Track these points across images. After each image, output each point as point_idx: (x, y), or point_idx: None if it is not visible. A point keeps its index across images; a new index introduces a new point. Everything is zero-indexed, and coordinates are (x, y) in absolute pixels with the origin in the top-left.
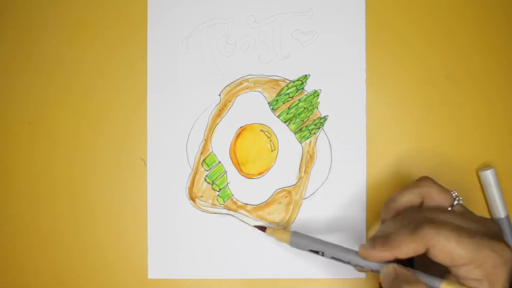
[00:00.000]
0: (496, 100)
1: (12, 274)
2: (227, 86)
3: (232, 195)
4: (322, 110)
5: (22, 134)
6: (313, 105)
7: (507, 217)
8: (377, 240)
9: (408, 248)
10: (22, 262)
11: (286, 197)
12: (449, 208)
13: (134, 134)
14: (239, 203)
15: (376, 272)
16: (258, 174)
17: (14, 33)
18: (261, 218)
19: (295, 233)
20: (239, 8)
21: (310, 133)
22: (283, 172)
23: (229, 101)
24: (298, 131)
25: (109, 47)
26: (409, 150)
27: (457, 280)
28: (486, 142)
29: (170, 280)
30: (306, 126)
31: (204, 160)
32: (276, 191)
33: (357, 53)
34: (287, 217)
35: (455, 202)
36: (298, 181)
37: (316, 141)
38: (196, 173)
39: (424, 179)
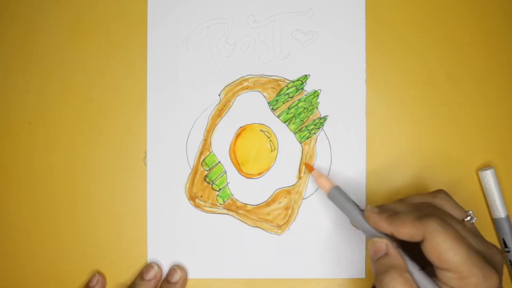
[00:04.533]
0: (496, 100)
1: (12, 274)
2: (227, 86)
3: (232, 195)
4: (322, 110)
5: (22, 134)
6: (313, 105)
7: (507, 217)
8: (386, 211)
9: (407, 230)
10: (22, 262)
11: (285, 197)
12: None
13: (134, 134)
14: (238, 203)
15: (367, 236)
16: (258, 174)
17: (14, 33)
18: (261, 218)
19: (336, 188)
20: (239, 8)
21: (310, 133)
22: (283, 172)
23: (229, 101)
24: (298, 131)
25: (109, 47)
26: (409, 150)
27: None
28: (486, 142)
29: None
30: (306, 126)
31: (204, 160)
32: (276, 191)
33: (357, 53)
34: (287, 217)
35: (468, 218)
36: (297, 181)
37: (316, 141)
38: (196, 173)
39: (440, 191)
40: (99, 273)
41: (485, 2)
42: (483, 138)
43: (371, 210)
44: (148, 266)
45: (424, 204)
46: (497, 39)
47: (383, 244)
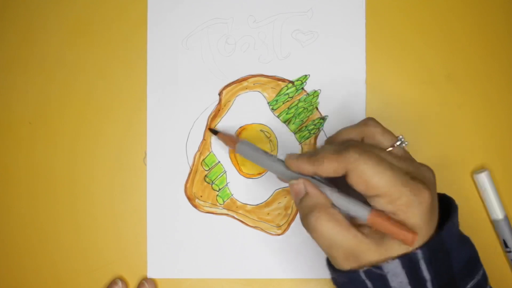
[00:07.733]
0: (496, 100)
1: (12, 274)
2: (227, 86)
3: (232, 195)
4: (322, 110)
5: (22, 134)
6: (312, 105)
7: (506, 217)
8: (304, 153)
9: (328, 165)
10: (22, 262)
11: (285, 197)
12: (390, 149)
13: (134, 134)
14: (238, 203)
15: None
16: (258, 174)
17: (14, 33)
18: (261, 218)
19: (244, 142)
20: (239, 8)
21: (310, 133)
22: None
23: (229, 101)
24: (297, 131)
25: (109, 47)
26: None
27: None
28: (485, 142)
29: (170, 279)
30: (306, 126)
31: (203, 160)
32: (276, 191)
33: (357, 53)
34: (286, 217)
35: (398, 143)
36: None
37: (316, 141)
38: (195, 173)
39: (369, 120)
40: (122, 280)
41: (485, 2)
42: (483, 138)
43: (289, 157)
44: (112, 283)
45: (349, 140)
46: (497, 39)
47: (301, 184)
